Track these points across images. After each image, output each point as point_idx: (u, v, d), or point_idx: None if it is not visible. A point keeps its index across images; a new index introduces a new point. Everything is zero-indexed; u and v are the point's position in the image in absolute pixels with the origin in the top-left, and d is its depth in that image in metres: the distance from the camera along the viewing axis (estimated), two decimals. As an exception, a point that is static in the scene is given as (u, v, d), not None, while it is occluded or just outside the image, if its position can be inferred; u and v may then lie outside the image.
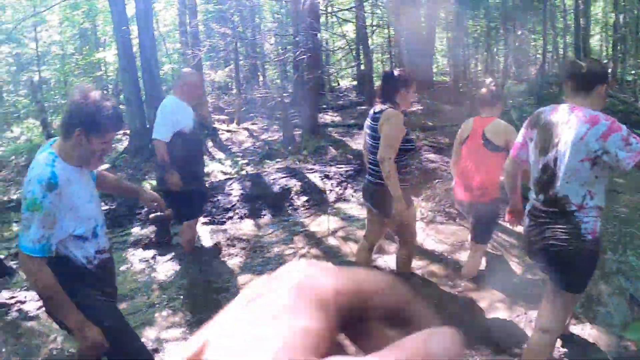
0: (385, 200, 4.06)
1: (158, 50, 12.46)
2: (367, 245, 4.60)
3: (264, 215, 7.02)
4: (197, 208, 5.56)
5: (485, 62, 21.10)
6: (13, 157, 13.34)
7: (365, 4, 14.08)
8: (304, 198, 7.28)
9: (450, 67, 20.79)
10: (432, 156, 8.50)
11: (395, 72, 4.14)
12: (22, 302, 5.31)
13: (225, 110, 14.91)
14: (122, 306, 4.57)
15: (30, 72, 18.66)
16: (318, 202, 7.17)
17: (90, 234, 2.58)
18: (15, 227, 8.49)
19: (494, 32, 19.99)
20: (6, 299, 5.42)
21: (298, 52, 10.66)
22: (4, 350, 4.31)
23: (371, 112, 4.26)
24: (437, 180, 7.19)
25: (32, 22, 17.27)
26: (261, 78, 17.56)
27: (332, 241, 5.88)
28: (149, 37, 11.41)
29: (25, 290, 5.64)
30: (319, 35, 12.65)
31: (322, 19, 15.35)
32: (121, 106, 16.37)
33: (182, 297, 4.83)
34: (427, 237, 5.72)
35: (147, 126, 11.64)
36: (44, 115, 14.70)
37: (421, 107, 13.48)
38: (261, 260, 5.57)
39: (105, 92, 17.34)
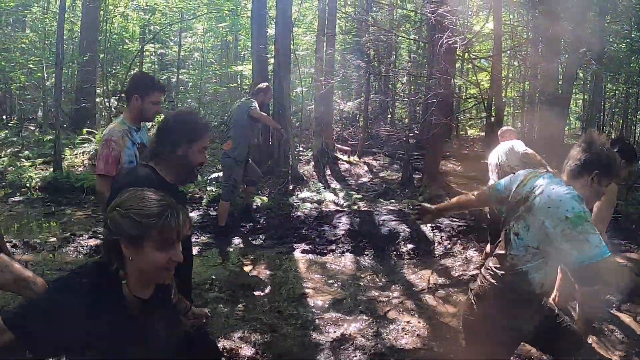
0: None
1: (292, 72, 12.78)
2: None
3: (366, 255, 6.93)
4: None
5: (620, 130, 19.97)
6: (139, 146, 14.12)
7: (503, 54, 13.71)
8: (410, 246, 7.10)
9: (582, 130, 19.82)
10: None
11: (618, 142, 4.13)
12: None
13: (349, 142, 14.98)
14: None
15: (169, 72, 19.81)
16: (424, 253, 6.96)
17: None
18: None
19: (632, 99, 18.90)
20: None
21: (430, 95, 10.53)
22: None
23: None
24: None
25: (178, 28, 18.34)
26: (389, 115, 17.52)
27: (429, 298, 5.65)
28: (285, 59, 11.72)
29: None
30: (452, 80, 12.45)
31: (457, 64, 15.13)
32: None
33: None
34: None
35: (270, 143, 11.93)
36: (174, 114, 15.45)
37: (548, 170, 12.86)
38: (351, 301, 5.44)
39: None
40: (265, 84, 8.05)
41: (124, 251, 1.78)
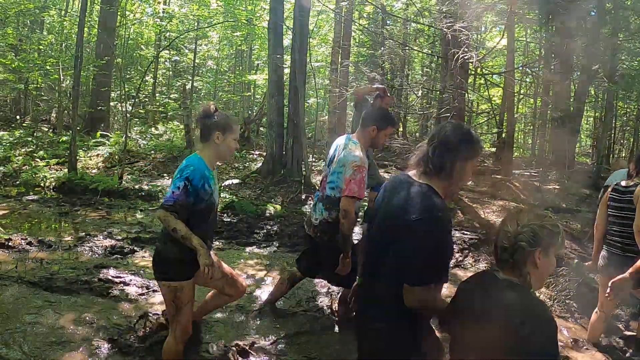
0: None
1: (307, 83, 12.88)
2: (602, 317, 4.87)
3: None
4: None
5: (630, 149, 19.96)
6: (153, 151, 14.24)
7: (516, 70, 13.77)
8: (422, 257, 7.12)
9: (593, 148, 19.83)
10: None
11: None
12: (126, 284, 5.59)
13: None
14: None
15: (184, 79, 19.97)
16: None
17: None
18: (139, 215, 9.02)
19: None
20: (112, 277, 5.74)
21: (443, 109, 10.60)
22: (93, 324, 4.52)
23: (615, 186, 4.59)
24: (562, 268, 6.76)
25: (194, 35, 18.51)
26: (401, 128, 17.60)
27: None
28: (301, 70, 11.83)
29: (132, 273, 5.95)
30: (466, 95, 12.49)
31: (470, 80, 15.19)
32: (261, 129, 17.15)
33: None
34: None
35: (283, 152, 12.01)
36: (189, 121, 15.60)
37: (558, 187, 12.89)
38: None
39: (248, 112, 18.18)
40: (381, 86, 7.93)
41: (537, 261, 2.17)
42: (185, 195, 3.18)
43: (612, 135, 19.08)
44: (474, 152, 2.54)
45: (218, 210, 9.32)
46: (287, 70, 12.77)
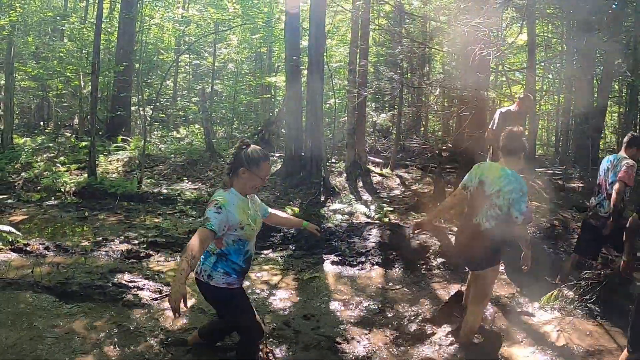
0: None
1: (325, 84, 12.79)
2: None
3: (396, 267, 6.83)
4: None
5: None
6: (173, 155, 14.29)
7: (537, 66, 13.51)
8: (440, 260, 6.98)
9: (618, 145, 19.36)
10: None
11: None
12: (140, 289, 5.58)
13: (382, 154, 14.89)
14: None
15: (204, 83, 20.05)
16: (454, 267, 6.84)
17: None
18: (157, 219, 9.03)
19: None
20: (126, 281, 5.72)
21: (462, 108, 10.45)
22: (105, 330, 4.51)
23: None
24: (585, 272, 6.50)
25: (213, 39, 18.57)
26: (422, 128, 17.40)
27: (458, 313, 5.51)
28: (318, 71, 11.75)
29: (146, 278, 5.93)
30: (486, 93, 12.26)
31: (492, 77, 14.96)
32: (282, 130, 17.12)
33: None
34: (561, 330, 5.21)
35: (302, 153, 11.93)
36: (209, 124, 15.63)
37: (581, 185, 12.63)
38: (379, 313, 5.36)
39: (270, 114, 18.15)
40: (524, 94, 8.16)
41: None
42: None
43: (638, 130, 18.65)
44: None
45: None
46: (305, 72, 12.71)
